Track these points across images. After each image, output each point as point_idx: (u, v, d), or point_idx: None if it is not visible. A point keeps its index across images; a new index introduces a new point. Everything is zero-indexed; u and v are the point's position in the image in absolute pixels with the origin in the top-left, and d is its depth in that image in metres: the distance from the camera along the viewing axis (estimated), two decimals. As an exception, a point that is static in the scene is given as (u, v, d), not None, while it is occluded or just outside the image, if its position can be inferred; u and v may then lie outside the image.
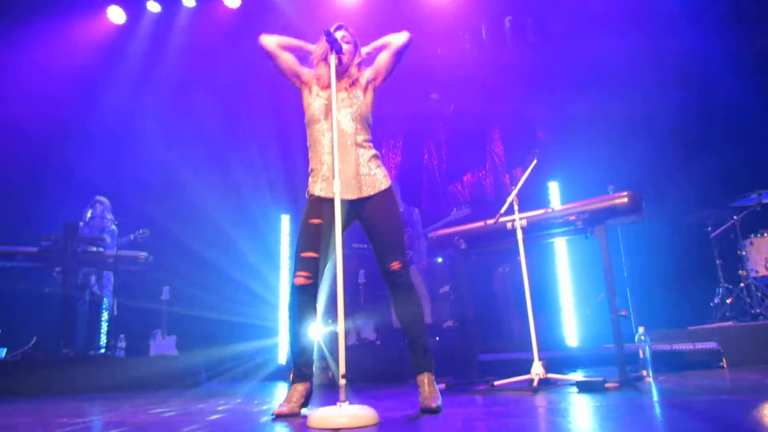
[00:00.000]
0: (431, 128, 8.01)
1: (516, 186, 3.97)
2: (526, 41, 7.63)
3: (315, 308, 2.82)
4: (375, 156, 2.94)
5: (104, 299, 6.37)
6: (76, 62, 7.88)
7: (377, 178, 2.88)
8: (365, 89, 3.00)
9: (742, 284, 5.66)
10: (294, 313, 2.79)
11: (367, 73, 3.02)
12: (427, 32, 7.74)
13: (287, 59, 3.01)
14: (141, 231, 6.63)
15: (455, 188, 7.89)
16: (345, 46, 2.96)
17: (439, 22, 7.63)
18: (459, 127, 7.83)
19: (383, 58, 3.00)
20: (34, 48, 7.69)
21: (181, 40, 8.04)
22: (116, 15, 7.91)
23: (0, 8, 7.31)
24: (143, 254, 6.36)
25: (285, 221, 7.46)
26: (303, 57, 3.07)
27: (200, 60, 8.05)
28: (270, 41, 3.01)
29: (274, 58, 3.01)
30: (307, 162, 3.00)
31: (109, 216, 6.54)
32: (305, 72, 3.03)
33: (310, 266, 2.76)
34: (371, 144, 2.97)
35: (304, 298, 2.77)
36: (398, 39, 2.98)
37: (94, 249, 6.09)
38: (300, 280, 2.76)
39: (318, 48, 2.98)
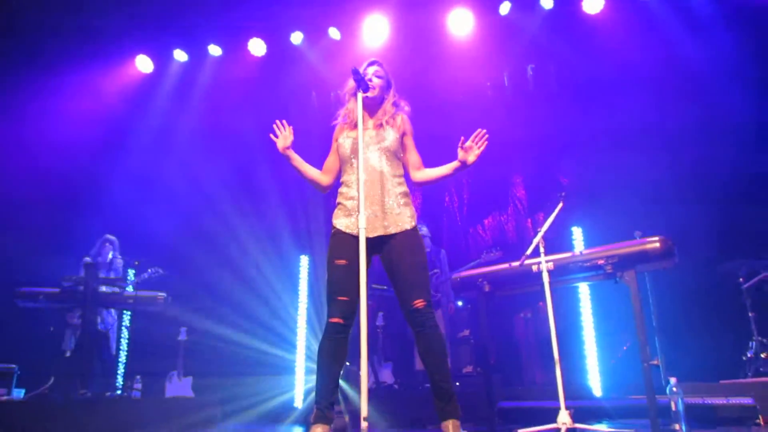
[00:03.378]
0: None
1: (542, 228, 3.92)
2: (549, 87, 7.68)
3: (346, 350, 2.77)
4: (404, 194, 2.93)
5: (108, 338, 6.33)
6: (105, 109, 8.08)
7: (403, 218, 2.87)
8: (398, 129, 3.03)
9: (777, 339, 5.46)
10: (325, 352, 2.75)
11: (402, 124, 3.06)
12: (450, 77, 7.83)
13: (333, 168, 3.14)
14: (155, 269, 6.58)
15: (476, 231, 7.84)
16: (376, 80, 3.02)
17: (462, 68, 7.72)
18: (481, 170, 7.81)
19: (409, 152, 3.09)
20: (62, 96, 7.88)
21: (207, 88, 8.21)
22: (144, 64, 8.12)
23: (34, 57, 7.54)
24: (161, 294, 6.32)
25: (304, 261, 7.44)
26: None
27: (225, 106, 8.20)
28: (325, 186, 3.17)
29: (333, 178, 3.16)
30: (327, 202, 3.05)
31: (118, 256, 6.56)
32: (338, 131, 3.15)
33: (343, 310, 2.76)
34: (403, 179, 2.98)
35: (337, 338, 2.75)
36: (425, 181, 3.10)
37: (111, 290, 6.08)
38: (335, 320, 2.76)
39: (348, 85, 3.02)
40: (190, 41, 8.05)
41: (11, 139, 7.58)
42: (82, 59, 7.74)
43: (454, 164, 2.99)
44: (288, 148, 3.13)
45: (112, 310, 6.24)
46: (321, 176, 3.14)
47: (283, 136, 3.13)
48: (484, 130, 2.98)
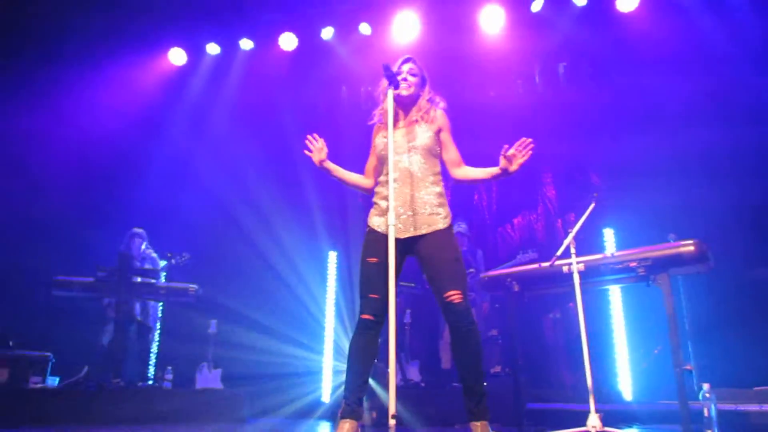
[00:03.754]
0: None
1: (573, 228, 3.87)
2: (580, 86, 7.57)
3: (377, 347, 2.79)
4: (439, 194, 2.92)
5: (151, 329, 6.45)
6: (139, 100, 8.20)
7: (435, 218, 2.86)
8: (434, 126, 3.00)
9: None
10: (356, 348, 2.76)
11: (438, 119, 3.03)
12: (480, 73, 7.78)
13: (373, 170, 3.14)
14: (182, 256, 6.67)
15: (505, 231, 7.78)
16: (411, 78, 3.01)
17: (493, 64, 7.65)
18: (510, 169, 7.74)
19: (447, 149, 3.05)
20: (98, 89, 8.04)
21: (239, 81, 8.27)
22: (177, 57, 8.23)
23: (69, 50, 7.71)
24: (193, 286, 6.42)
25: (332, 257, 7.48)
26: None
27: (256, 99, 8.26)
28: (369, 188, 3.15)
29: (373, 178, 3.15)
30: (360, 200, 3.06)
31: (149, 247, 6.68)
32: (376, 131, 3.13)
33: (375, 307, 2.77)
34: (438, 178, 2.96)
35: (368, 334, 2.77)
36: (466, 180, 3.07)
37: (144, 280, 6.20)
38: (367, 316, 2.78)
39: (382, 84, 3.02)
40: (223, 35, 8.12)
41: (49, 132, 7.76)
42: (118, 53, 7.89)
43: (495, 170, 2.92)
44: (324, 160, 3.10)
45: (158, 304, 6.33)
46: (363, 180, 3.14)
47: (317, 150, 3.11)
48: (530, 139, 2.89)
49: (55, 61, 7.68)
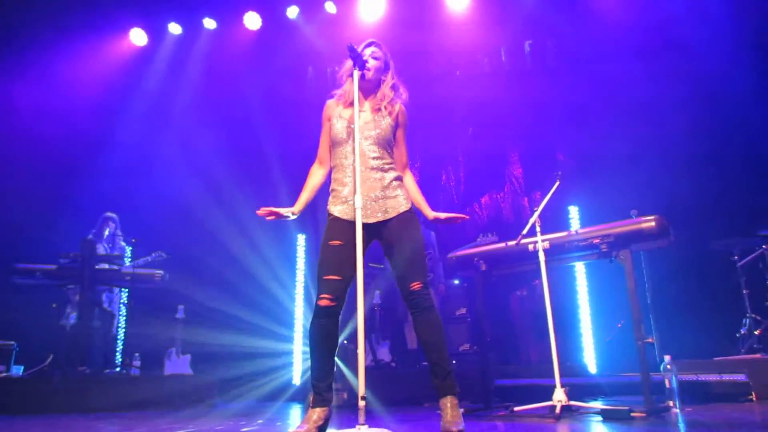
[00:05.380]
0: (449, 149, 7.98)
1: (538, 207, 3.92)
2: (546, 64, 7.62)
3: (338, 330, 2.77)
4: (396, 178, 2.91)
5: (114, 316, 6.36)
6: (99, 82, 7.98)
7: (398, 201, 2.85)
8: (394, 118, 2.96)
9: (771, 315, 5.50)
10: (317, 335, 2.73)
11: (399, 115, 2.99)
12: (447, 53, 7.76)
13: (326, 154, 3.03)
14: (158, 253, 6.58)
15: (473, 210, 7.83)
16: (372, 62, 2.94)
17: (459, 44, 7.65)
18: (477, 148, 7.79)
19: (399, 147, 3.03)
20: (57, 67, 7.83)
21: (202, 61, 8.12)
22: (138, 37, 8.03)
23: (27, 29, 7.44)
24: (159, 272, 6.36)
25: (301, 240, 7.44)
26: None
27: (220, 80, 8.13)
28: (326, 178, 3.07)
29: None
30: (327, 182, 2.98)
31: (119, 233, 6.56)
32: (328, 109, 3.02)
33: (333, 289, 2.72)
34: (393, 166, 2.94)
35: (327, 320, 2.73)
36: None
37: (109, 267, 6.09)
38: (324, 302, 2.71)
39: (345, 66, 2.96)
40: (185, 14, 7.95)
41: (5, 114, 7.50)
42: (77, 30, 7.65)
43: (423, 207, 3.05)
44: (286, 213, 2.93)
45: (118, 290, 6.23)
46: (319, 175, 3.02)
47: (277, 214, 2.94)
48: (465, 217, 3.10)
49: (10, 37, 7.41)
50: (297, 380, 6.77)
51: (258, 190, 7.71)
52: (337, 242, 2.76)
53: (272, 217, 2.96)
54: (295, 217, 2.95)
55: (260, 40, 7.98)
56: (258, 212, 2.97)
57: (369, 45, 3.01)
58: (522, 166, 7.77)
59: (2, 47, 7.43)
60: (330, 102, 3.03)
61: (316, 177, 3.03)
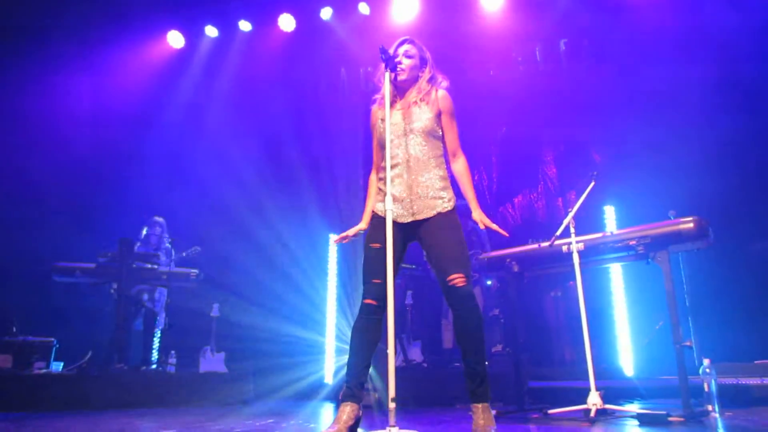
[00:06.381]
0: (483, 149, 7.92)
1: (573, 208, 3.86)
2: (582, 63, 7.50)
3: (380, 331, 2.78)
4: (442, 177, 2.87)
5: (157, 315, 6.49)
6: (137, 84, 8.15)
7: (437, 202, 2.82)
8: (434, 107, 2.93)
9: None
10: (359, 333, 2.76)
11: (439, 101, 2.95)
12: (480, 52, 7.70)
13: (378, 160, 3.04)
14: (193, 248, 6.77)
15: (506, 210, 7.77)
16: (405, 61, 2.95)
17: (493, 43, 7.58)
18: (511, 148, 7.71)
19: (446, 132, 2.97)
20: (97, 70, 8.02)
21: (238, 63, 8.22)
22: (176, 39, 8.17)
23: (66, 33, 7.65)
24: (194, 271, 6.49)
25: (332, 240, 7.49)
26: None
27: (255, 82, 8.22)
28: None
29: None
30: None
31: (166, 236, 6.70)
32: (373, 115, 3.04)
33: (377, 292, 2.75)
34: (442, 160, 2.91)
35: (371, 318, 2.76)
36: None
37: (149, 266, 6.23)
38: (368, 301, 2.77)
39: (380, 69, 2.96)
40: (221, 17, 8.06)
41: (49, 117, 7.71)
42: (114, 34, 7.83)
43: (472, 202, 2.94)
44: (361, 229, 2.97)
45: (164, 291, 6.37)
46: (376, 180, 3.06)
47: (352, 236, 3.00)
48: (506, 235, 2.93)
49: (54, 44, 7.62)
50: (329, 379, 6.81)
51: (289, 192, 7.80)
52: (376, 245, 2.77)
53: (346, 241, 3.01)
54: (364, 231, 2.98)
55: (294, 42, 8.03)
56: (334, 241, 3.07)
57: (402, 44, 3.00)
58: (556, 166, 7.67)
59: (51, 53, 7.64)
60: (374, 108, 3.05)
61: (374, 186, 3.06)
